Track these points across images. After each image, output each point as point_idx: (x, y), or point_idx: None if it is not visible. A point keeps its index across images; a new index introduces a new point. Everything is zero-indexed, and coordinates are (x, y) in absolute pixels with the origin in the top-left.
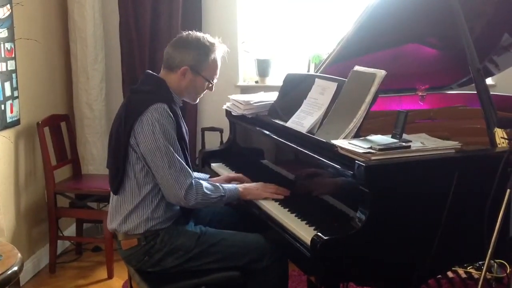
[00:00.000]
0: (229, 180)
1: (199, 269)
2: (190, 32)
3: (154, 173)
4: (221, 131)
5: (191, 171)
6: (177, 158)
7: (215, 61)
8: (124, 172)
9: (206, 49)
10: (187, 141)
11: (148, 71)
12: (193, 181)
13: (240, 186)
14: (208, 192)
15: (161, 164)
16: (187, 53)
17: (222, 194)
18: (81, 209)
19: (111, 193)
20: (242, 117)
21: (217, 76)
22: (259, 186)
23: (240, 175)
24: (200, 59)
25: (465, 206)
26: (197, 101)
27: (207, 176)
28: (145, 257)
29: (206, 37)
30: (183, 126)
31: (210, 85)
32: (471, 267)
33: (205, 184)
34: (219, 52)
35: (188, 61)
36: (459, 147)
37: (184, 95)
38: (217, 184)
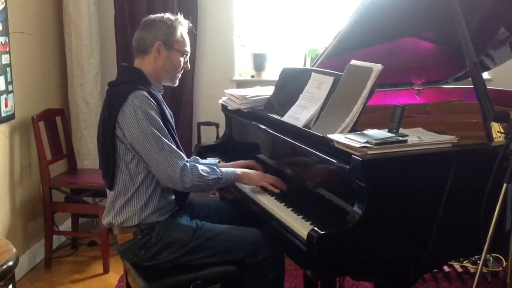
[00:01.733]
0: (242, 166)
1: (195, 263)
2: (151, 14)
3: (146, 160)
4: (217, 125)
5: (182, 153)
6: (165, 142)
7: (183, 34)
8: (115, 166)
9: (172, 22)
10: (173, 124)
11: (123, 64)
12: (187, 163)
13: (238, 170)
14: (204, 174)
15: (151, 149)
16: (156, 29)
17: (220, 176)
18: (77, 203)
19: (107, 190)
20: (238, 112)
21: (189, 51)
22: (258, 173)
23: (252, 161)
24: (170, 32)
25: (461, 201)
26: (177, 82)
27: (216, 160)
28: (141, 251)
29: (168, 14)
30: (166, 110)
31: (186, 59)
32: (467, 261)
33: (200, 166)
34: (184, 26)
35: (159, 36)
36: (456, 141)
37: (162, 78)
38: (214, 166)
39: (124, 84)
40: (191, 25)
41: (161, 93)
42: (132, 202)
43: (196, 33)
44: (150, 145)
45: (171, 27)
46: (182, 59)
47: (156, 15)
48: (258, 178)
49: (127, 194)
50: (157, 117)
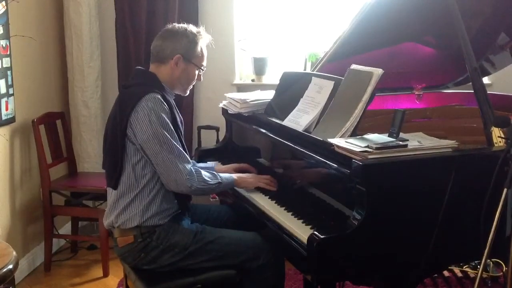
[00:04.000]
0: (237, 169)
1: (195, 267)
2: (174, 24)
3: (154, 162)
4: (217, 129)
5: (189, 158)
6: (175, 145)
7: (203, 49)
8: (122, 166)
9: (194, 36)
10: (182, 131)
11: (138, 67)
12: (192, 167)
13: (235, 175)
14: (207, 179)
15: (160, 151)
16: (178, 42)
17: (219, 181)
18: (77, 207)
19: (108, 190)
20: (238, 116)
21: (205, 64)
22: (253, 176)
23: (246, 165)
24: (191, 47)
25: (461, 205)
26: (188, 93)
27: (213, 164)
28: (141, 254)
29: (191, 26)
30: (177, 115)
31: (200, 73)
32: (467, 266)
33: (203, 171)
34: (205, 40)
35: (179, 49)
36: (456, 146)
37: (175, 87)
38: (214, 172)
39: (139, 85)
40: (212, 39)
41: (173, 99)
42: (135, 203)
43: None
44: (160, 147)
45: (192, 41)
46: (197, 72)
47: (180, 25)
48: (253, 180)
49: (130, 195)
50: (168, 121)
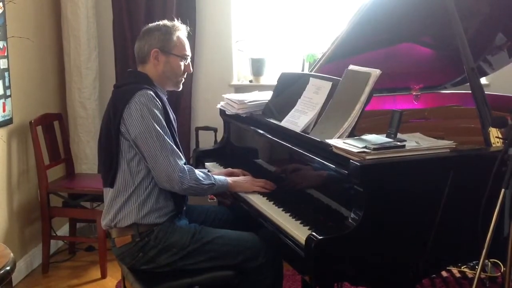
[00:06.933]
0: (230, 174)
1: (193, 267)
2: (149, 23)
3: (146, 158)
4: (215, 130)
5: (182, 155)
6: (168, 141)
7: (180, 38)
8: (117, 164)
9: (167, 29)
10: (176, 128)
11: (130, 69)
12: (185, 165)
13: (229, 179)
14: (200, 178)
15: (153, 147)
16: (152, 37)
17: (213, 182)
18: (74, 208)
19: (105, 190)
20: (236, 116)
21: (189, 54)
22: (248, 179)
23: (239, 170)
24: (165, 38)
25: (459, 206)
26: (180, 87)
27: (205, 170)
28: (139, 254)
29: (165, 21)
30: (170, 112)
31: (186, 62)
32: (465, 266)
33: (197, 170)
34: (182, 31)
35: (155, 44)
36: (454, 146)
37: (165, 83)
38: (208, 173)
39: (131, 84)
40: (188, 29)
41: (165, 97)
42: (131, 200)
43: (195, 38)
44: (153, 142)
45: (166, 33)
46: (182, 63)
47: (155, 23)
48: (248, 184)
49: (127, 192)
50: (160, 116)
